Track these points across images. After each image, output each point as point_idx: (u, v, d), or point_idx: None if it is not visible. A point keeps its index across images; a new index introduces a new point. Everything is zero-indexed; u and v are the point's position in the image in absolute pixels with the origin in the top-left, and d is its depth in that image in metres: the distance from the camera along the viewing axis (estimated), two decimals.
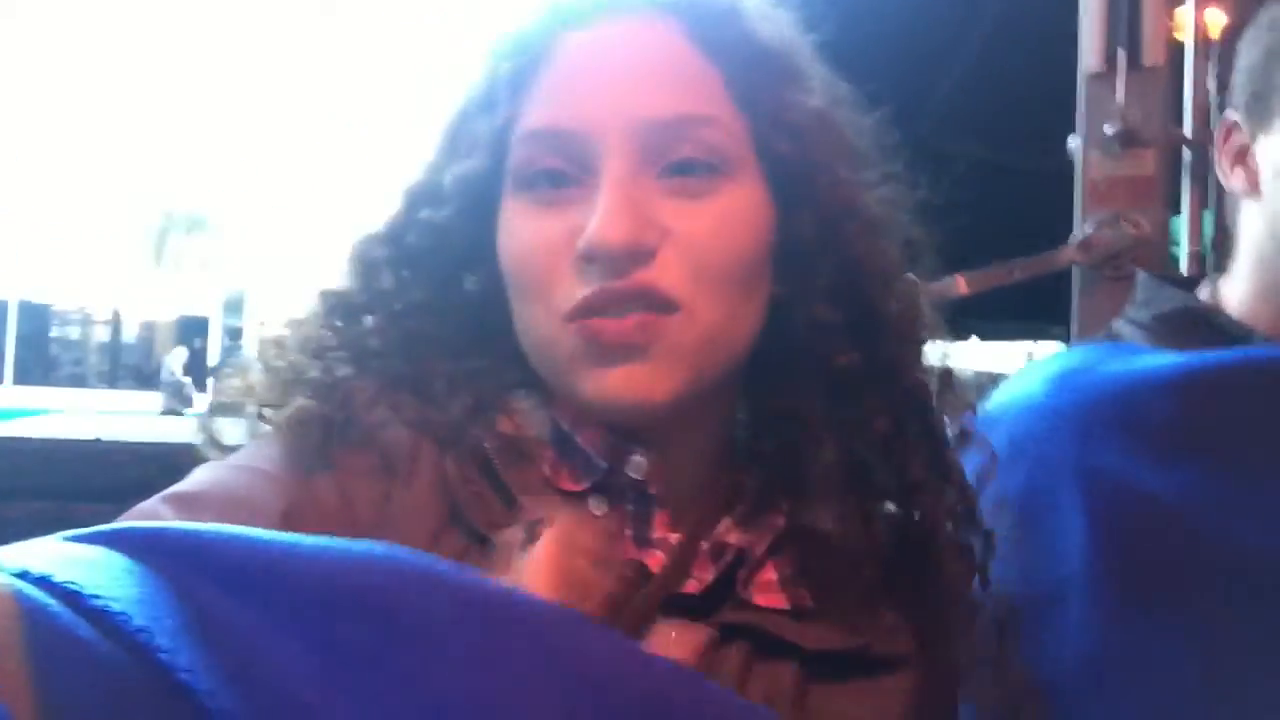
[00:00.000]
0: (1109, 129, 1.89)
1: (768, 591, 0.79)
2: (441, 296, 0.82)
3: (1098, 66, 1.93)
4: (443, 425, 0.77)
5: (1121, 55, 1.88)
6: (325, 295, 0.84)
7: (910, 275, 0.83)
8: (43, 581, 0.43)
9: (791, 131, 0.78)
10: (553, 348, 0.76)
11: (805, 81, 0.81)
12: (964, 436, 0.85)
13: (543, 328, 0.76)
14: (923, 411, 0.82)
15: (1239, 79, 1.09)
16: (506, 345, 0.81)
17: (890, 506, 0.83)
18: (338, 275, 0.85)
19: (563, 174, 0.75)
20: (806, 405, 0.79)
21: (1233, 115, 1.09)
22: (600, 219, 0.71)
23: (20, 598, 0.41)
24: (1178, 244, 2.16)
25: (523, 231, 0.76)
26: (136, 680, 0.42)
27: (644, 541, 0.78)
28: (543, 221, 0.75)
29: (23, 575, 0.43)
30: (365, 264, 0.84)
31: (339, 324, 0.82)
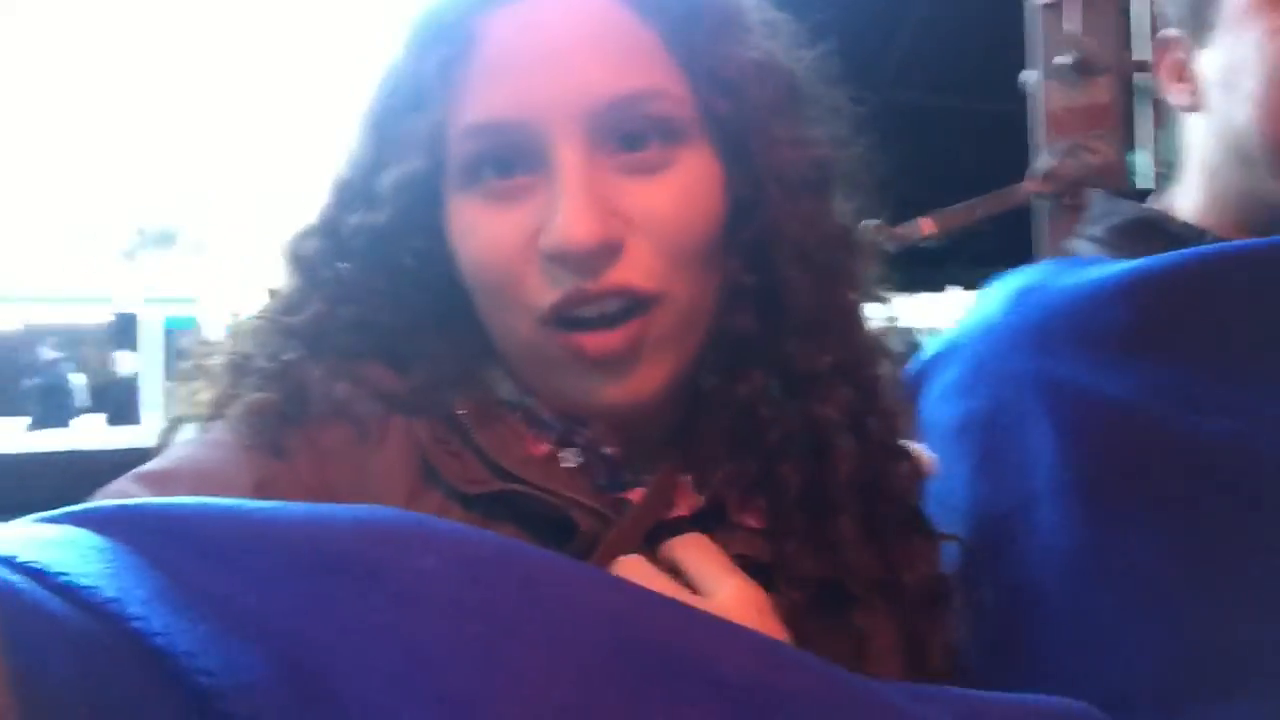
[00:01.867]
0: (1062, 59, 1.89)
1: (758, 517, 0.80)
2: (386, 280, 0.80)
3: None
4: (412, 392, 0.77)
5: None
6: (269, 294, 0.83)
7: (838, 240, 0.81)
8: (7, 562, 0.43)
9: (729, 89, 0.75)
10: (532, 351, 0.75)
11: (743, 31, 0.78)
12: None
13: (520, 332, 0.74)
14: (826, 379, 0.79)
15: None
16: (462, 320, 0.80)
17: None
18: (278, 275, 0.84)
19: (511, 164, 0.72)
20: (709, 363, 0.79)
21: (1170, 32, 1.09)
22: (563, 218, 0.69)
23: None
24: (1135, 175, 2.17)
25: (479, 232, 0.74)
26: (110, 649, 0.41)
27: (619, 486, 0.79)
28: (498, 219, 0.73)
29: None
30: (302, 259, 0.82)
31: (284, 317, 0.81)
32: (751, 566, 0.77)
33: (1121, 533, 0.85)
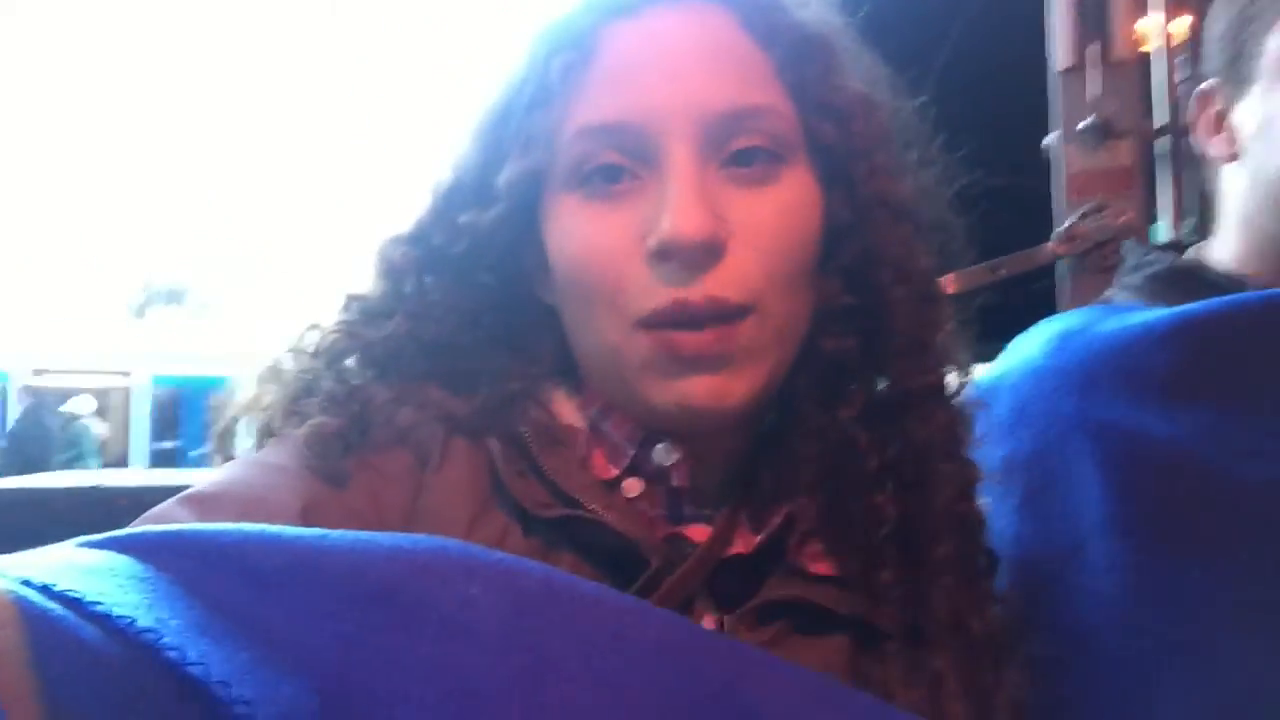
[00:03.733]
0: (1084, 122, 1.92)
1: (817, 560, 0.79)
2: (468, 297, 0.81)
3: (1070, 62, 1.96)
4: (476, 414, 0.77)
5: (1093, 49, 1.91)
6: (349, 300, 0.84)
7: (930, 269, 0.82)
8: (45, 589, 0.42)
9: (836, 118, 0.77)
10: (620, 354, 0.74)
11: (848, 66, 0.81)
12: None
13: (609, 333, 0.74)
14: (927, 399, 0.80)
15: (1211, 48, 1.11)
16: (534, 339, 0.82)
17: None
18: (362, 278, 0.84)
19: (620, 168, 0.74)
20: (806, 389, 0.79)
21: (1208, 84, 1.10)
22: (673, 212, 0.70)
23: (22, 605, 0.40)
24: (1156, 240, 2.19)
25: (583, 232, 0.75)
26: (146, 681, 0.41)
27: (679, 519, 0.79)
28: (604, 220, 0.74)
29: (25, 583, 0.42)
30: (391, 267, 0.83)
31: (359, 329, 0.81)
32: (812, 612, 0.78)
33: (1170, 575, 0.85)
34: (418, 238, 0.83)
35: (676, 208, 0.70)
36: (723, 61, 0.74)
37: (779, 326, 0.74)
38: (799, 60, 0.77)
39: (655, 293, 0.72)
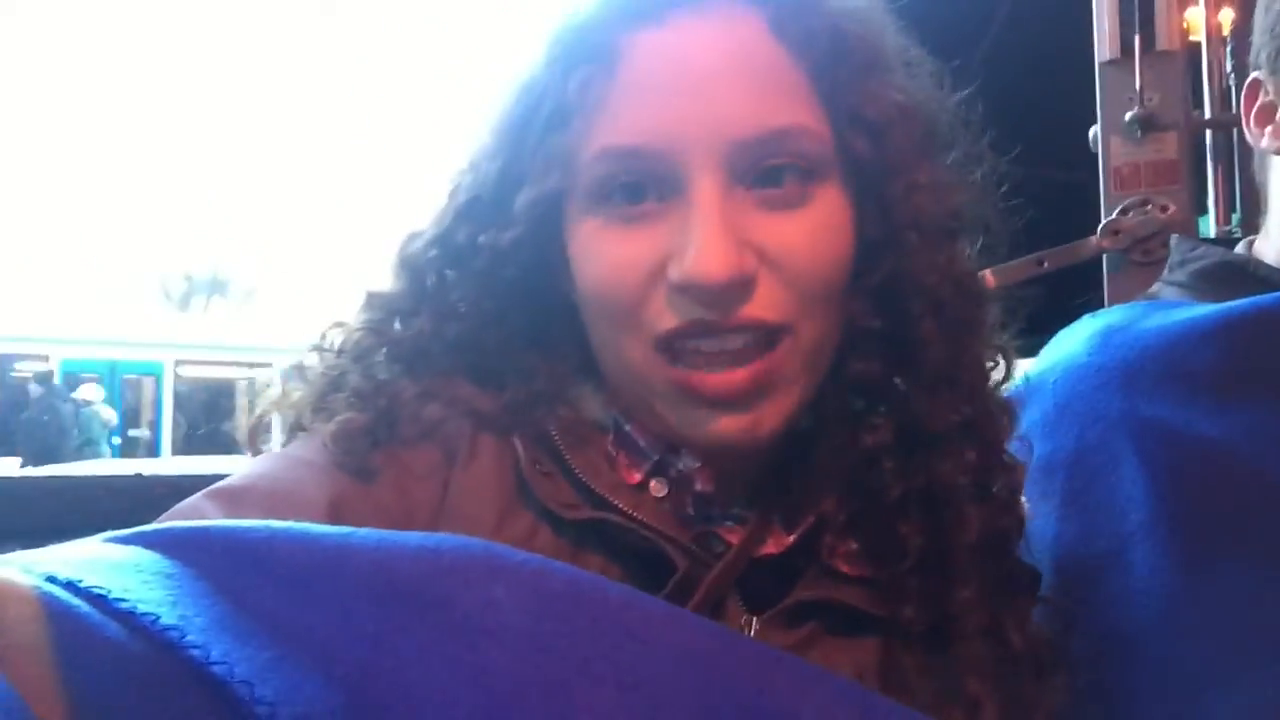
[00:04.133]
0: (1128, 114, 1.89)
1: (849, 560, 0.78)
2: (491, 295, 0.80)
3: (1113, 54, 1.93)
4: (504, 411, 0.76)
5: (1137, 41, 1.88)
6: (371, 297, 0.83)
7: (968, 292, 0.78)
8: (70, 585, 0.43)
9: (871, 131, 0.73)
10: (644, 379, 0.74)
11: (887, 71, 0.77)
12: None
13: (634, 359, 0.73)
14: (955, 437, 0.77)
15: (1261, 39, 1.08)
16: (559, 336, 0.80)
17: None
18: (383, 277, 0.83)
19: (642, 189, 0.71)
20: (833, 404, 0.78)
21: (1258, 75, 1.08)
22: (697, 251, 0.68)
23: (46, 600, 0.41)
24: (1202, 234, 2.15)
25: (606, 254, 0.73)
26: (168, 678, 0.41)
27: (707, 519, 0.78)
28: (626, 243, 0.72)
29: (50, 579, 0.43)
30: (412, 265, 0.82)
31: (384, 326, 0.80)
32: (844, 613, 0.77)
33: (1217, 576, 0.83)
34: (440, 240, 0.81)
35: (702, 245, 0.68)
36: (751, 79, 0.71)
37: (811, 350, 0.73)
38: (834, 66, 0.73)
39: (674, 317, 0.70)
